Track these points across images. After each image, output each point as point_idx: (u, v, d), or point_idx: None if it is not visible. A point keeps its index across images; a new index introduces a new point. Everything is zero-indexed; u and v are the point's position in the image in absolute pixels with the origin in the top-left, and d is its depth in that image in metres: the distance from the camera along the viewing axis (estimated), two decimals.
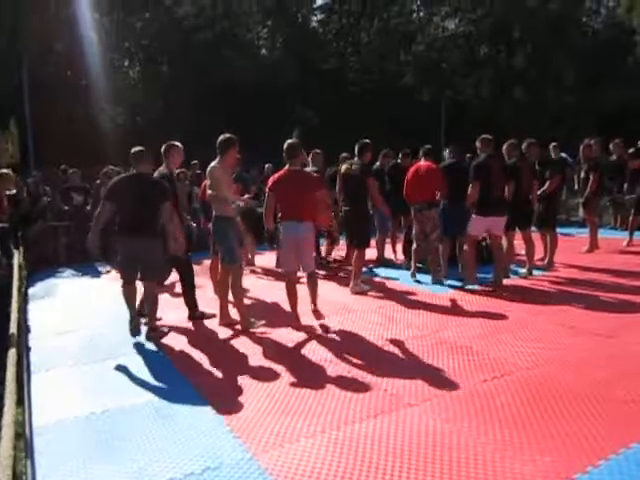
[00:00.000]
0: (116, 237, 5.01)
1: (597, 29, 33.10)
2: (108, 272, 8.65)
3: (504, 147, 6.74)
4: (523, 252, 7.14)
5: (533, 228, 7.15)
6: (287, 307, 5.38)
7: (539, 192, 7.01)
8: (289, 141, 5.28)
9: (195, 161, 11.07)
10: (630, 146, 9.81)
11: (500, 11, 29.78)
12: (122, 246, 4.93)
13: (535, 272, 6.91)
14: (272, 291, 6.39)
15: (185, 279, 5.57)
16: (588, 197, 8.23)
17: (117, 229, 4.94)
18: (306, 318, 5.30)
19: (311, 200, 5.08)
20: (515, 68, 30.64)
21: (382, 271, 7.56)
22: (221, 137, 5.14)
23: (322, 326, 5.12)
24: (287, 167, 5.22)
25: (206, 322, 5.48)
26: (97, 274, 8.68)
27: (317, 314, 5.26)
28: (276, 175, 5.30)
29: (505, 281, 6.40)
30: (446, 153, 7.13)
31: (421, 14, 35.28)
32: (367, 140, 6.48)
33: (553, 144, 8.65)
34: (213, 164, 5.12)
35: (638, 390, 3.41)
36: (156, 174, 5.23)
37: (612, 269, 6.97)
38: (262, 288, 6.82)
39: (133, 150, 5.05)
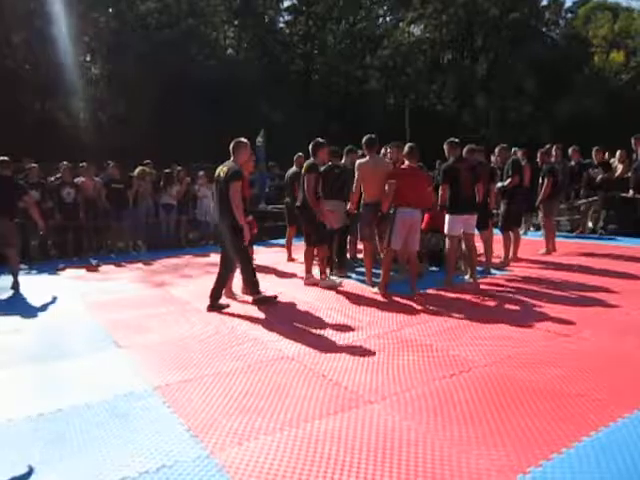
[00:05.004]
0: None
1: (556, 39, 34.17)
2: (63, 269, 8.50)
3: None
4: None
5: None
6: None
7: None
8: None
9: (148, 160, 10.51)
10: (586, 153, 10.25)
11: (463, 18, 30.41)
12: None
13: (493, 272, 7.07)
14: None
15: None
16: (542, 200, 8.48)
17: None
18: (262, 314, 5.28)
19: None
20: (478, 75, 31.30)
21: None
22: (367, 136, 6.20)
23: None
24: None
25: (168, 318, 5.39)
26: (53, 272, 8.43)
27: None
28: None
29: (463, 281, 6.54)
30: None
31: (387, 19, 35.72)
32: (320, 139, 6.62)
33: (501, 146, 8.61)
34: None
35: (590, 386, 3.50)
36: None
37: (568, 271, 7.16)
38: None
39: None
